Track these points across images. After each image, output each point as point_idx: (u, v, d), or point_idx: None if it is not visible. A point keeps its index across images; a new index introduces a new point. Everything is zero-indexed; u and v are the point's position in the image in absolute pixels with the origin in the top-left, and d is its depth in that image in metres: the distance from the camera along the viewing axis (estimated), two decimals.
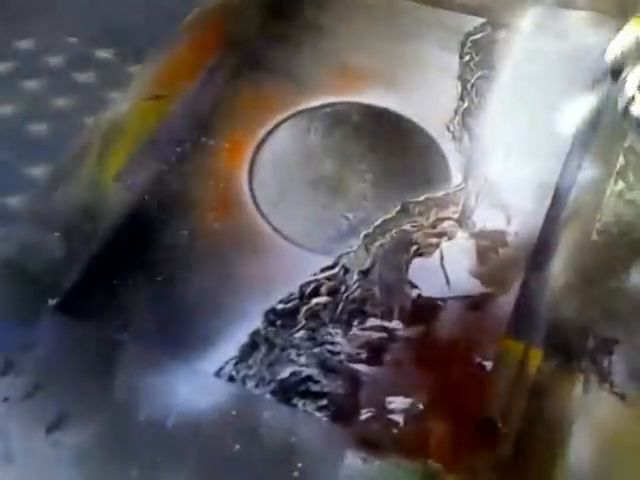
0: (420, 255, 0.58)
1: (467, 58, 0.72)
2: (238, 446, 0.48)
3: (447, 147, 0.65)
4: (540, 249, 0.58)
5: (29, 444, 0.49)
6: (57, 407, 0.50)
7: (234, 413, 0.50)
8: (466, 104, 0.68)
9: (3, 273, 0.57)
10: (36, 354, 0.53)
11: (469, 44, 0.73)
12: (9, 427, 0.50)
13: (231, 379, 0.51)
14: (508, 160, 0.65)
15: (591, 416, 0.50)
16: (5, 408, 0.50)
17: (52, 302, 0.55)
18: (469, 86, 0.70)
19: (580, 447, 0.48)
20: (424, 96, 0.69)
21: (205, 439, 0.49)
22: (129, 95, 0.71)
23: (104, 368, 0.51)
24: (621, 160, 0.63)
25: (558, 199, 0.61)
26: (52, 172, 0.67)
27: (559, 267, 0.57)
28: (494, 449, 0.48)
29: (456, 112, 0.68)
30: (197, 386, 0.51)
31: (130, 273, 0.57)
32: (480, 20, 0.75)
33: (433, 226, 0.60)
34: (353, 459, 0.48)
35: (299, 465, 0.48)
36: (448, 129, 0.67)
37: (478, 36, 0.74)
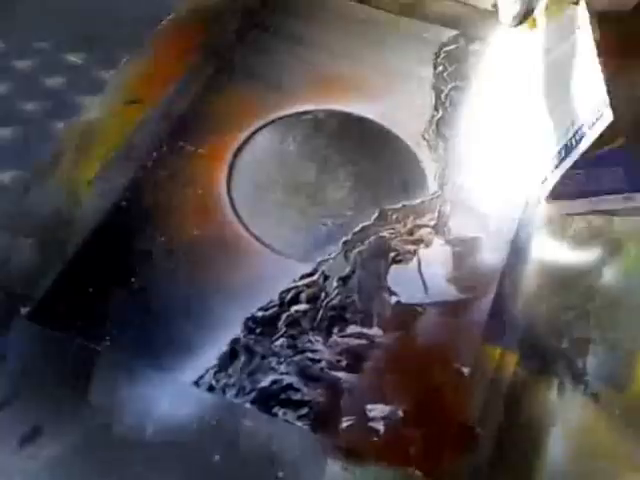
0: (398, 262, 0.59)
1: (440, 69, 0.73)
2: (218, 456, 0.47)
3: (423, 156, 0.66)
4: (514, 254, 0.59)
5: (1, 458, 0.47)
6: (31, 420, 0.48)
7: (214, 423, 0.49)
8: (440, 114, 0.69)
9: None
10: (8, 365, 0.51)
11: (442, 55, 0.74)
12: None
13: (211, 388, 0.50)
14: (482, 168, 0.66)
15: (567, 418, 0.50)
16: None
17: (24, 310, 0.53)
18: (443, 96, 0.71)
19: (557, 449, 0.49)
20: (401, 105, 0.70)
21: (184, 449, 0.48)
22: (103, 100, 0.69)
23: (80, 378, 0.50)
24: None
25: (531, 206, 0.62)
26: (25, 177, 0.65)
27: (533, 271, 0.59)
28: (473, 454, 0.49)
29: (431, 122, 0.69)
30: (176, 396, 0.50)
31: (106, 280, 0.56)
32: (454, 32, 0.76)
33: (410, 233, 0.61)
34: (334, 467, 0.48)
35: (279, 474, 0.47)
36: (424, 138, 0.67)
37: (451, 47, 0.75)
